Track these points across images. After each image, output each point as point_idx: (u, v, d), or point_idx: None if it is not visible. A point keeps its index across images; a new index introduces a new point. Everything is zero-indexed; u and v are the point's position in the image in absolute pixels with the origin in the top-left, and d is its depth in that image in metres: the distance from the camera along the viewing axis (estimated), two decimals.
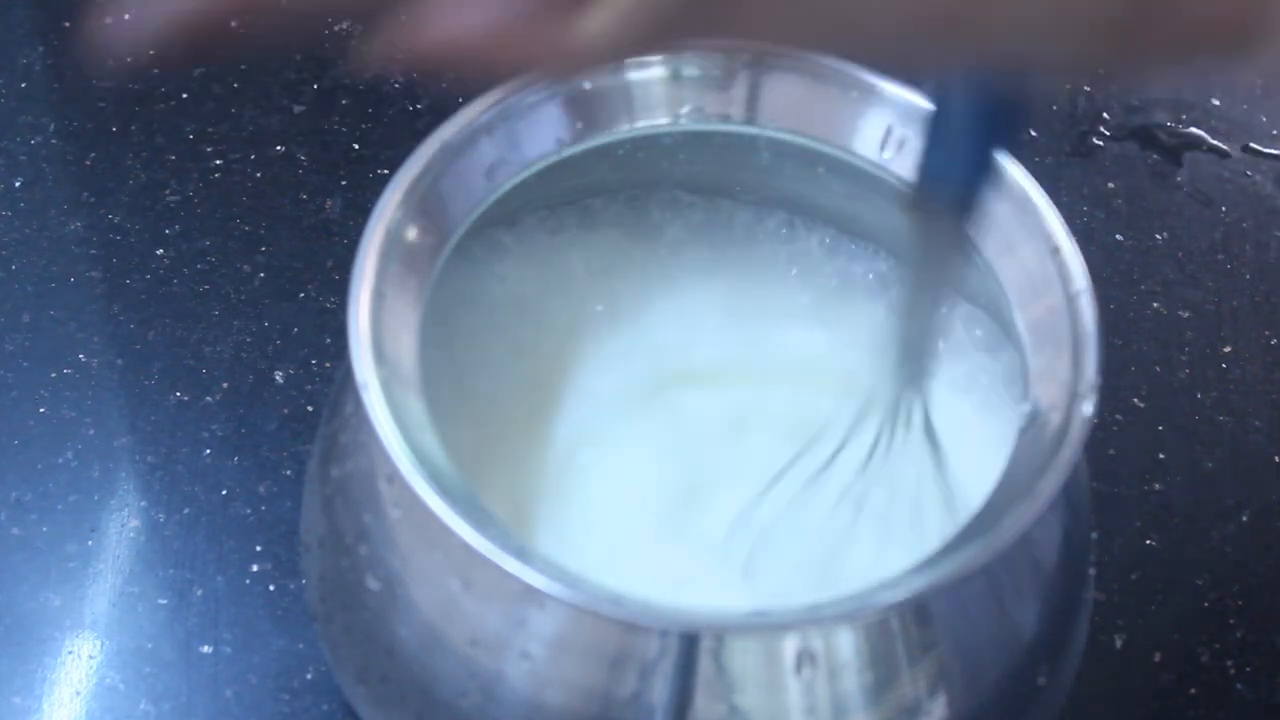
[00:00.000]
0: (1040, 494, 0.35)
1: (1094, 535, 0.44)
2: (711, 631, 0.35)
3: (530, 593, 0.34)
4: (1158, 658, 0.51)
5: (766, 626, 0.35)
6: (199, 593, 0.51)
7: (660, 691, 0.35)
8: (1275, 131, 0.65)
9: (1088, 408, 0.37)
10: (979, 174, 0.34)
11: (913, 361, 0.39)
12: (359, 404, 0.37)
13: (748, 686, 0.35)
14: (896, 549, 0.41)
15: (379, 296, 0.38)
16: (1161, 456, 0.55)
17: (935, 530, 0.41)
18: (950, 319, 0.46)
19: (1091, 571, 0.43)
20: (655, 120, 0.43)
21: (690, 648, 0.35)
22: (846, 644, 0.36)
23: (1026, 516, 0.35)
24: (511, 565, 0.34)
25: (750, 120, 0.44)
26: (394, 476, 0.36)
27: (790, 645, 0.35)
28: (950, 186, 0.35)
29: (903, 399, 0.40)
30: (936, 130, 0.34)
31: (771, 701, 0.36)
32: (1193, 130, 0.64)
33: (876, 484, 0.42)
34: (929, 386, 0.40)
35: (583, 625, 0.35)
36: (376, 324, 0.38)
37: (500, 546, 0.34)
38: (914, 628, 0.36)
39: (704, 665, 0.35)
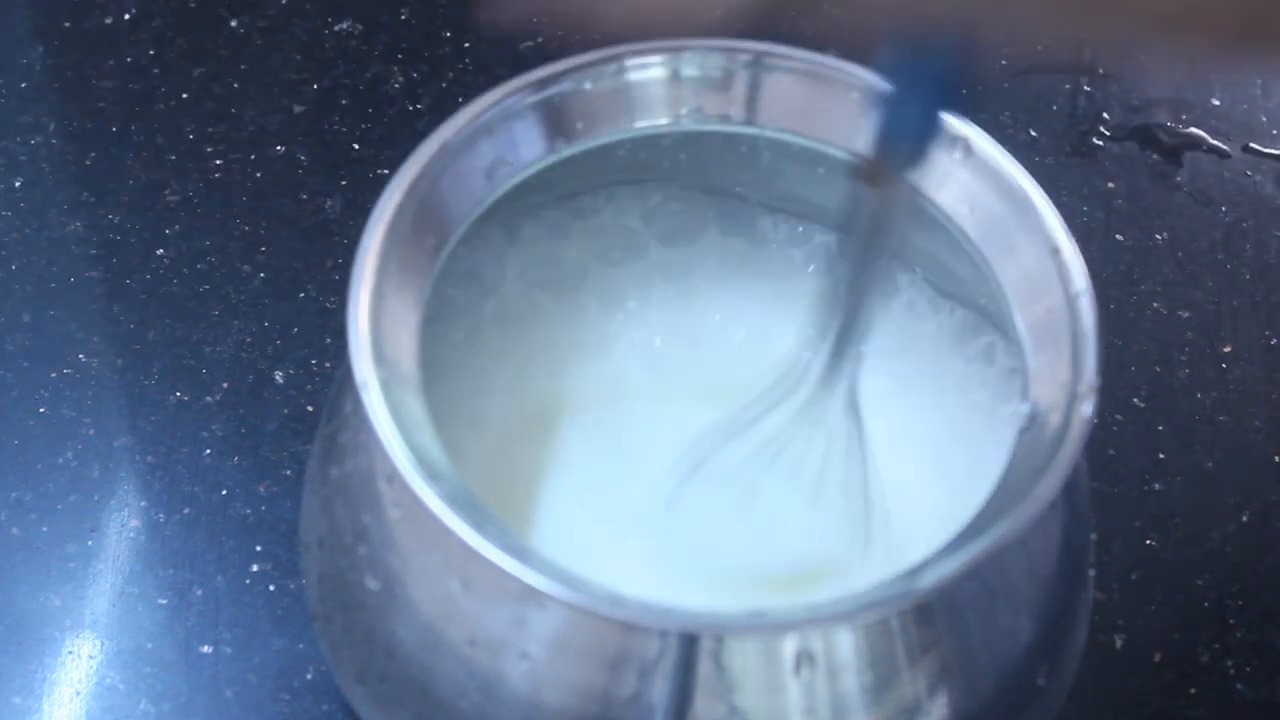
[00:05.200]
0: (1040, 495, 0.35)
1: (1094, 536, 0.44)
2: (711, 632, 0.35)
3: (529, 593, 0.34)
4: (1158, 658, 0.51)
5: (766, 627, 0.35)
6: (199, 593, 0.51)
7: (660, 691, 0.35)
8: (1275, 131, 0.65)
9: (1087, 408, 0.37)
10: (929, 128, 0.36)
11: (846, 333, 0.40)
12: (359, 404, 0.37)
13: (747, 687, 0.35)
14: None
15: (379, 296, 0.38)
16: (1161, 456, 0.55)
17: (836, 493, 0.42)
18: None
19: (1091, 572, 0.43)
20: (655, 120, 0.43)
21: (689, 648, 0.35)
22: (846, 644, 0.36)
23: (1026, 517, 0.35)
24: (511, 565, 0.34)
25: (750, 120, 0.44)
26: (393, 476, 0.36)
27: (789, 645, 0.35)
28: (902, 144, 0.36)
29: (833, 370, 0.41)
30: (892, 92, 0.36)
31: (771, 702, 0.36)
32: (1193, 130, 0.64)
33: (792, 448, 0.42)
34: (859, 360, 0.41)
35: (582, 625, 0.35)
36: (376, 324, 0.38)
37: (499, 546, 0.34)
38: (914, 628, 0.36)
39: (703, 665, 0.35)
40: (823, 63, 0.43)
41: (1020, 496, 0.36)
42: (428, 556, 0.37)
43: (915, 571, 0.35)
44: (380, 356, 0.37)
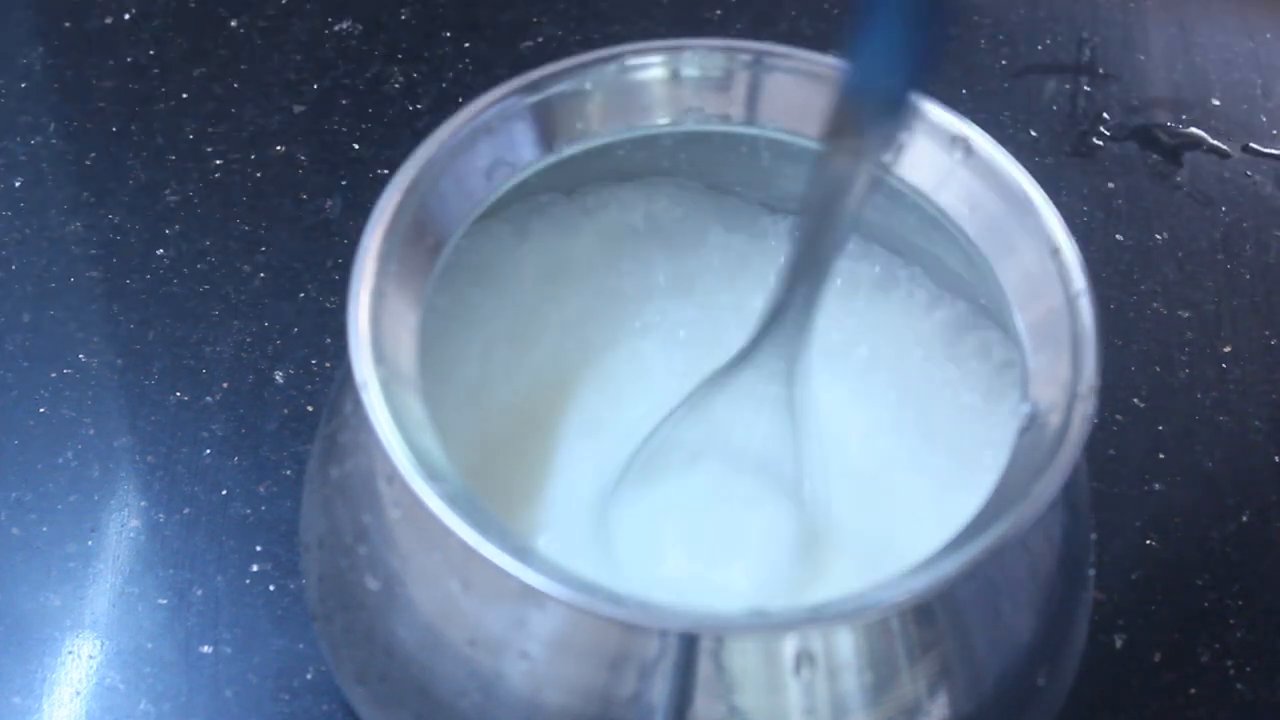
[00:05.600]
0: (1039, 495, 0.35)
1: (1094, 536, 0.44)
2: (711, 631, 0.35)
3: (529, 593, 0.34)
4: (1158, 658, 0.51)
5: (766, 627, 0.35)
6: (199, 593, 0.51)
7: (660, 691, 0.35)
8: (1275, 131, 0.65)
9: (1088, 409, 0.37)
10: (911, 76, 0.32)
11: (799, 311, 0.38)
12: (358, 404, 0.37)
13: (747, 687, 0.35)
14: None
15: (379, 296, 0.38)
16: (1161, 456, 0.55)
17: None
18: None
19: (1091, 572, 0.43)
20: (655, 120, 0.43)
21: (689, 648, 0.35)
22: (846, 644, 0.36)
23: (1026, 518, 0.35)
24: (511, 565, 0.34)
25: (750, 120, 0.44)
26: (393, 476, 0.36)
27: (790, 645, 0.35)
28: (877, 92, 0.32)
29: (785, 354, 0.39)
30: (864, 31, 0.32)
31: (771, 702, 0.36)
32: (1193, 130, 0.64)
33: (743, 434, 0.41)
34: (808, 346, 0.39)
35: (582, 625, 0.35)
36: (376, 324, 0.38)
37: (499, 546, 0.34)
38: (914, 628, 0.36)
39: (703, 665, 0.35)
40: (823, 63, 0.43)
41: (1020, 496, 0.36)
42: (428, 556, 0.37)
43: (915, 571, 0.35)
44: (380, 356, 0.37)
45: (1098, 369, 0.38)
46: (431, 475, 0.35)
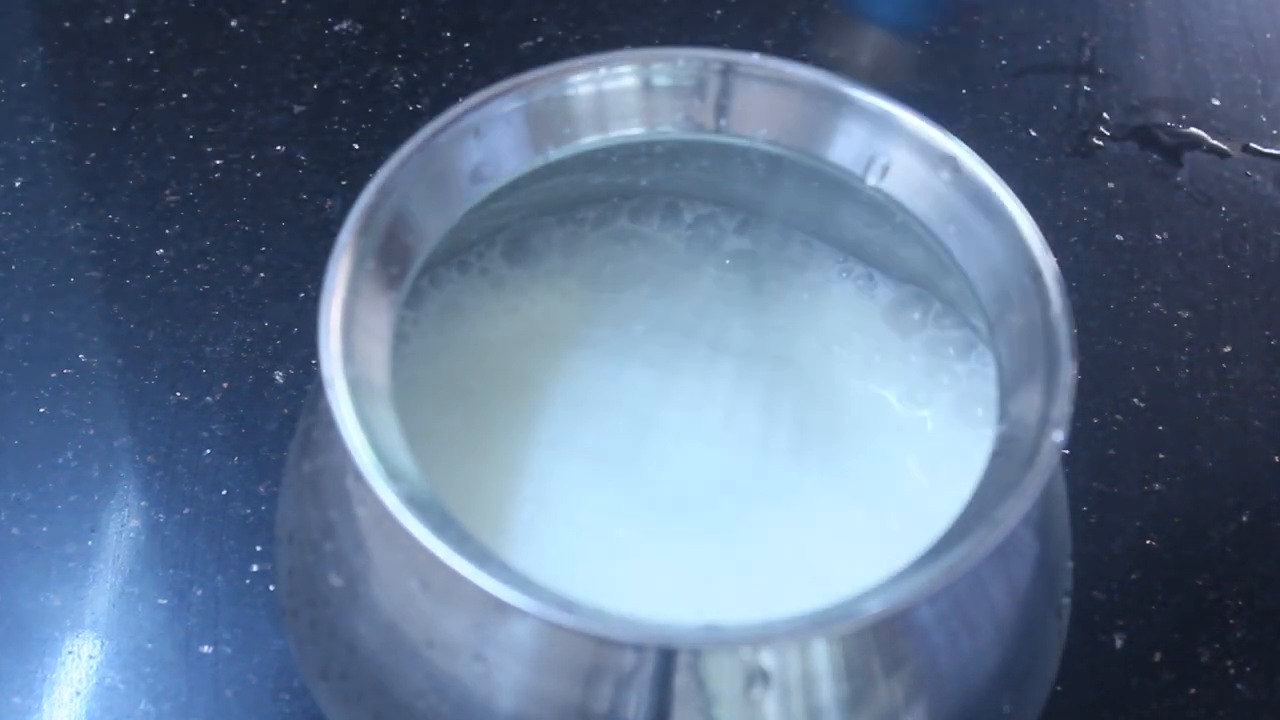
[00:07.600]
0: (1000, 523, 0.34)
1: (1071, 564, 0.43)
2: (660, 644, 0.34)
3: (484, 597, 0.34)
4: (1158, 658, 0.51)
5: (730, 642, 0.34)
6: (199, 593, 0.51)
7: (619, 704, 0.35)
8: (1275, 131, 0.65)
9: (1058, 437, 0.36)
10: None
11: None
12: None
13: (718, 701, 0.35)
14: None
15: (354, 295, 0.38)
16: (1161, 456, 0.55)
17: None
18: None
19: (1067, 600, 0.42)
20: (646, 128, 0.43)
21: (658, 662, 0.34)
22: (820, 658, 0.35)
23: (984, 546, 0.34)
24: (464, 568, 0.33)
25: (744, 131, 0.43)
26: (360, 474, 0.36)
27: (759, 660, 0.34)
28: None
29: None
30: None
31: (742, 717, 0.35)
32: (1193, 130, 0.64)
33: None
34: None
35: (541, 633, 0.35)
36: (349, 322, 0.37)
37: (459, 551, 0.34)
38: (886, 643, 0.35)
39: (679, 680, 0.34)
40: (817, 74, 0.43)
41: (979, 525, 0.35)
42: (390, 556, 0.37)
43: (879, 589, 0.34)
44: (350, 355, 0.37)
45: (1071, 397, 0.37)
46: (392, 475, 0.35)
